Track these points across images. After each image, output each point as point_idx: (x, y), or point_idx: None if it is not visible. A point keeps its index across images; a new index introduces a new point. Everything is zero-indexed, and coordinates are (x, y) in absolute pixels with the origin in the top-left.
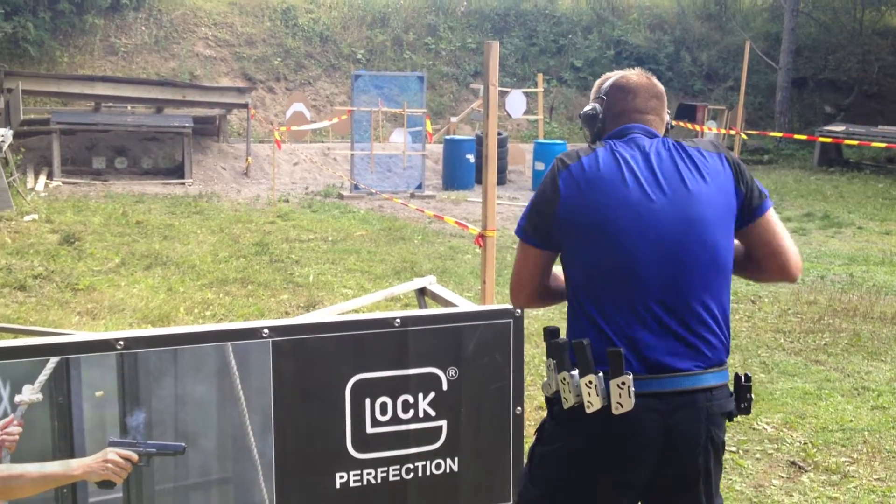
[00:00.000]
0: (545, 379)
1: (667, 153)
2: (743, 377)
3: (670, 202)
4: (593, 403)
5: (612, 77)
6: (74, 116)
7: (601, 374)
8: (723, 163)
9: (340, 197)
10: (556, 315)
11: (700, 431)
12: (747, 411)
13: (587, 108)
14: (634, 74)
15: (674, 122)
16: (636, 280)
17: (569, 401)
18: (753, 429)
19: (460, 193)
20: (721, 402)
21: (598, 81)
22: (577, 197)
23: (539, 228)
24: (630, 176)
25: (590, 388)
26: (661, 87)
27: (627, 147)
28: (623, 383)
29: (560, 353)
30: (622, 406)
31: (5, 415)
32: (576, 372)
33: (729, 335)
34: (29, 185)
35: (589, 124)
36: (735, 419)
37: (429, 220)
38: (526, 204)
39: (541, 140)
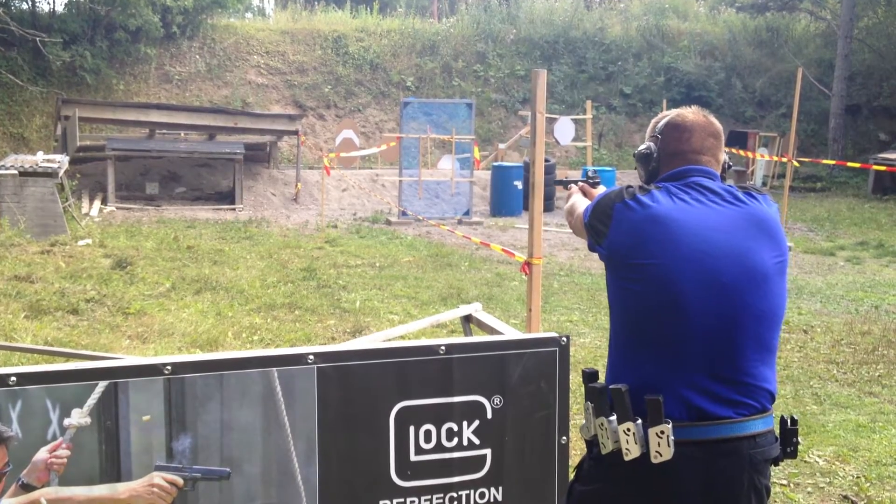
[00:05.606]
0: (583, 422)
1: (727, 198)
2: (789, 420)
3: (726, 250)
4: (631, 451)
5: (667, 115)
6: (129, 143)
7: (640, 421)
8: (777, 214)
9: (388, 223)
10: (601, 344)
11: (742, 480)
12: (794, 455)
13: (642, 147)
14: (690, 113)
15: (724, 149)
16: (683, 327)
17: (606, 446)
18: (805, 462)
19: (507, 220)
20: (766, 448)
21: (653, 120)
22: (627, 236)
23: (596, 234)
24: (688, 220)
25: (627, 435)
26: (718, 125)
27: (686, 191)
28: (662, 432)
29: (598, 397)
30: (661, 455)
31: (54, 438)
32: (614, 418)
33: (775, 382)
34: (84, 210)
35: (643, 164)
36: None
37: (476, 246)
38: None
39: (589, 167)
